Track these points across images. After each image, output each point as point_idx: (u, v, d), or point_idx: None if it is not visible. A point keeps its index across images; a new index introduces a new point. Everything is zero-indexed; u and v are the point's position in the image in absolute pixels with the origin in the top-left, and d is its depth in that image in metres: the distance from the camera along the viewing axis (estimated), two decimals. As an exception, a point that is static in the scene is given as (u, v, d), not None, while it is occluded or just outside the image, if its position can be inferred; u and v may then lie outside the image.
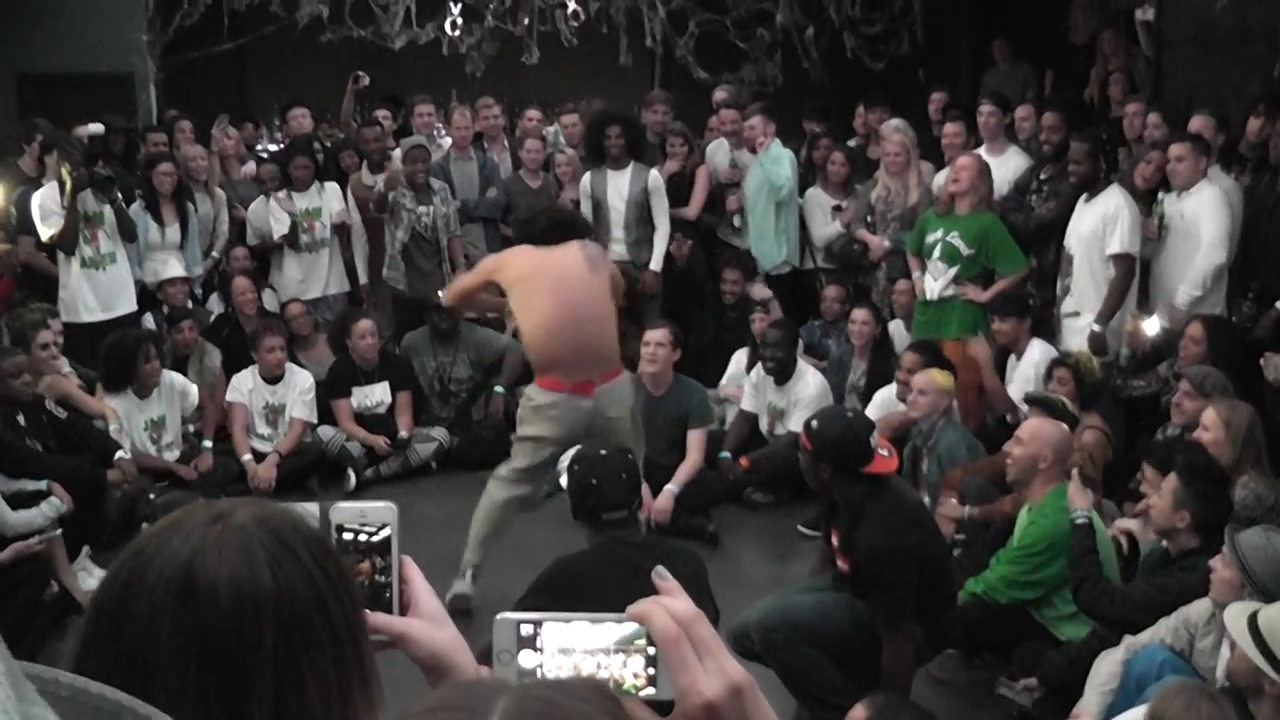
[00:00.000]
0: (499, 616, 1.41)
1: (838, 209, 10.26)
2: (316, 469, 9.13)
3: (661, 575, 1.39)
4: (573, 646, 1.38)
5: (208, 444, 8.77)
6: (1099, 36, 12.07)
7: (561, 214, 7.45)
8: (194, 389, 8.85)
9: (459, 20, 13.34)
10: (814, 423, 5.60)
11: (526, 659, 1.38)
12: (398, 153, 10.43)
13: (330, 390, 9.39)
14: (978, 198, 8.55)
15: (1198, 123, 8.70)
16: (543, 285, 6.67)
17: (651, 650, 1.35)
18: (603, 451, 5.17)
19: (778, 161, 10.08)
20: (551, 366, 6.78)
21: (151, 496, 5.60)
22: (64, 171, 8.85)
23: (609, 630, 1.38)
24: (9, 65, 12.59)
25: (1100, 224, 8.19)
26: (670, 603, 1.33)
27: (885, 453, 5.44)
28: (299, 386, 9.21)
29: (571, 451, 5.46)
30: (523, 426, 7.01)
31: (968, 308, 8.54)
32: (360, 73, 11.12)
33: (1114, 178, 8.45)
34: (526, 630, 1.39)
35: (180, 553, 1.29)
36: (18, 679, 0.85)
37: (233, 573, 1.29)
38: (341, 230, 10.37)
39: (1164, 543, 5.49)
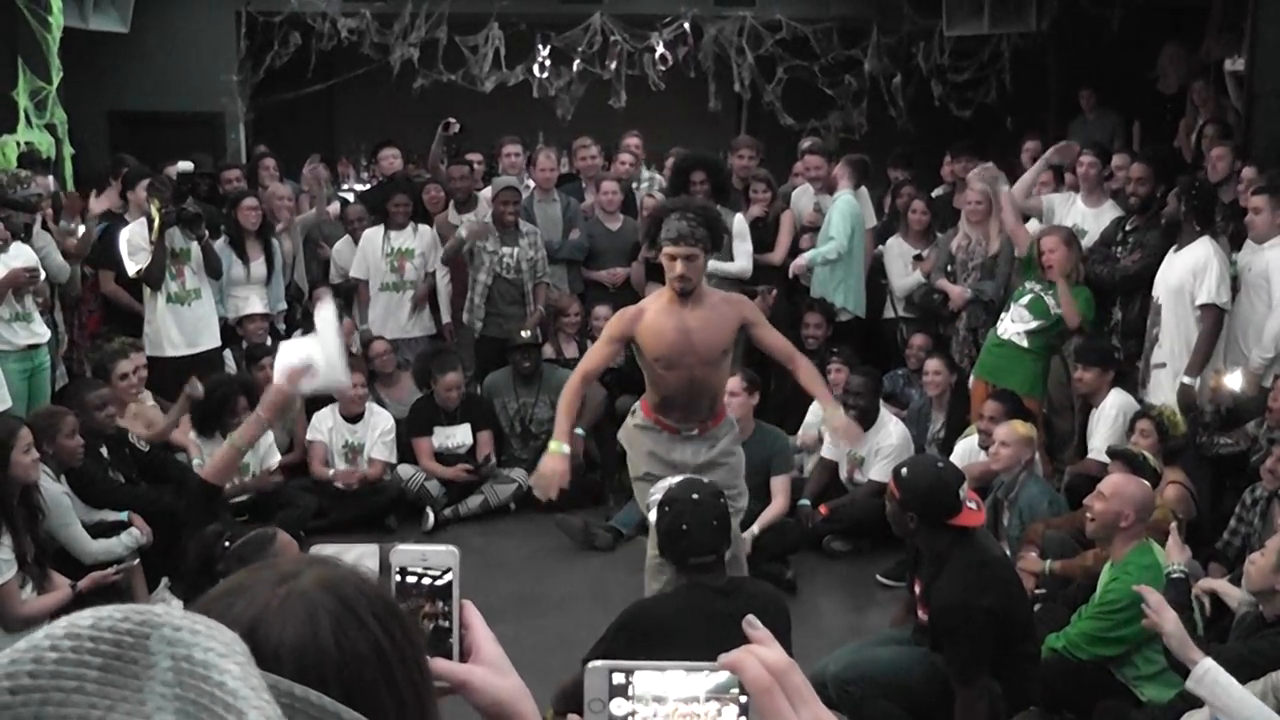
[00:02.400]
0: (591, 664, 1.40)
1: (918, 258, 10.21)
2: (395, 507, 9.13)
3: (752, 624, 1.37)
4: (665, 695, 1.37)
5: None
6: (1189, 87, 11.98)
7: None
8: (274, 446, 8.88)
9: (547, 63, 13.46)
10: (904, 470, 5.55)
11: (618, 707, 1.37)
12: (486, 193, 10.48)
13: (412, 428, 9.41)
14: (1071, 266, 8.58)
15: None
16: None
17: (744, 699, 1.33)
18: (695, 496, 5.10)
19: (838, 211, 10.07)
20: None
21: (226, 544, 5.60)
22: (153, 208, 8.94)
23: (702, 679, 1.36)
24: (100, 103, 12.78)
25: (1189, 275, 8.12)
26: (763, 652, 1.31)
27: (973, 505, 5.38)
28: (379, 427, 9.23)
29: (661, 488, 5.40)
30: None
31: (1027, 363, 8.55)
32: (452, 120, 11.19)
33: (1206, 230, 8.37)
34: (619, 678, 1.38)
35: (243, 619, 1.25)
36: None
37: (296, 640, 1.25)
38: (431, 276, 10.47)
39: (1254, 604, 5.38)
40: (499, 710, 1.65)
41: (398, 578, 1.66)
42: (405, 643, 1.34)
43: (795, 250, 10.35)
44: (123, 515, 7.29)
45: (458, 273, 10.35)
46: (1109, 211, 9.46)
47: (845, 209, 10.09)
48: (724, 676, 1.35)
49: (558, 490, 6.35)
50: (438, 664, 1.60)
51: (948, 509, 5.30)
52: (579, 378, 6.57)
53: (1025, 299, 8.63)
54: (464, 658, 1.68)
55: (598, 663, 1.39)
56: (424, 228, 10.43)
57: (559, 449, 6.35)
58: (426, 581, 1.67)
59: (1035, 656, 5.58)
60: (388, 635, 1.31)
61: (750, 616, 1.39)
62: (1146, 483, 6.16)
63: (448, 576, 1.67)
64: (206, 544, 6.69)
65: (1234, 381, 7.97)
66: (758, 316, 6.59)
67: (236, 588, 1.32)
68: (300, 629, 1.26)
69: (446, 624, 1.67)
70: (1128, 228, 9.06)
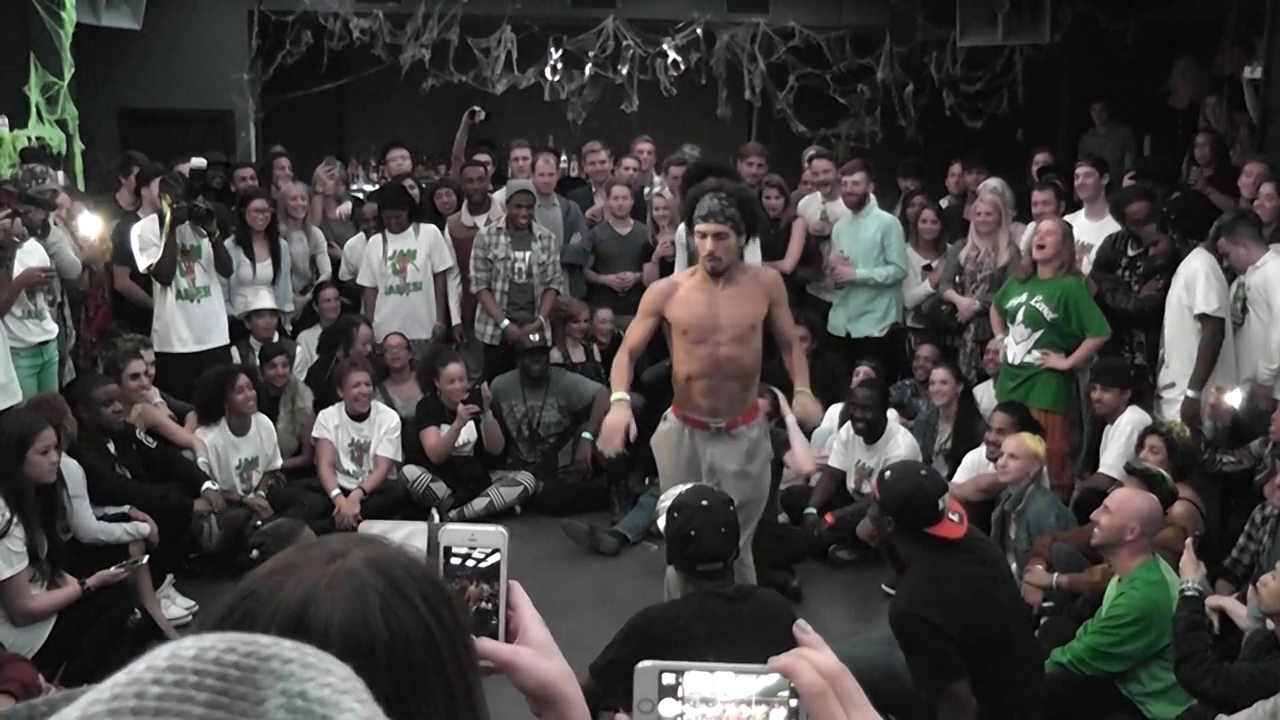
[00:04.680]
0: (641, 665, 1.40)
1: (928, 268, 10.19)
2: (401, 508, 9.11)
3: (803, 629, 1.38)
4: (714, 696, 1.37)
5: (212, 485, 8.10)
6: (1203, 102, 11.96)
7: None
8: (276, 448, 8.89)
9: (559, 66, 13.44)
10: (887, 474, 5.54)
11: (668, 708, 1.37)
12: (498, 195, 10.47)
13: (419, 424, 9.39)
14: (1060, 262, 8.49)
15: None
16: None
17: (794, 703, 1.34)
18: (704, 502, 5.10)
19: (896, 234, 10.12)
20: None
21: (259, 523, 5.71)
22: (164, 204, 8.93)
23: (751, 681, 1.37)
24: (111, 100, 12.78)
25: (1183, 289, 8.14)
26: (815, 656, 1.31)
27: (956, 518, 5.32)
28: (385, 425, 9.21)
29: (671, 494, 5.40)
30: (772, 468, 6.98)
31: (1052, 377, 8.46)
32: (477, 108, 11.17)
33: (1194, 242, 8.40)
34: (668, 679, 1.38)
35: (293, 597, 1.26)
36: None
37: (345, 620, 1.24)
38: (440, 278, 10.46)
39: (1269, 624, 5.35)
40: (544, 692, 1.65)
41: (445, 558, 1.66)
42: (453, 624, 1.33)
43: (806, 259, 10.32)
44: (124, 510, 7.30)
45: (469, 274, 10.32)
46: (1111, 223, 9.43)
47: (900, 231, 10.22)
48: (773, 679, 1.35)
49: (623, 442, 6.44)
50: (484, 644, 1.60)
51: (924, 517, 5.25)
52: (624, 353, 6.71)
53: (1019, 315, 8.54)
54: (510, 639, 1.67)
55: (647, 663, 1.39)
56: (425, 227, 10.42)
57: (620, 398, 6.48)
58: (473, 562, 1.67)
59: (1014, 684, 5.31)
60: (435, 616, 1.30)
61: (800, 621, 1.41)
62: (1154, 497, 6.13)
63: (495, 557, 1.67)
64: (234, 526, 6.75)
65: (1234, 399, 7.97)
66: (782, 296, 6.65)
67: (285, 566, 1.31)
68: (350, 608, 1.26)
69: (492, 605, 1.66)
70: (1131, 253, 9.03)
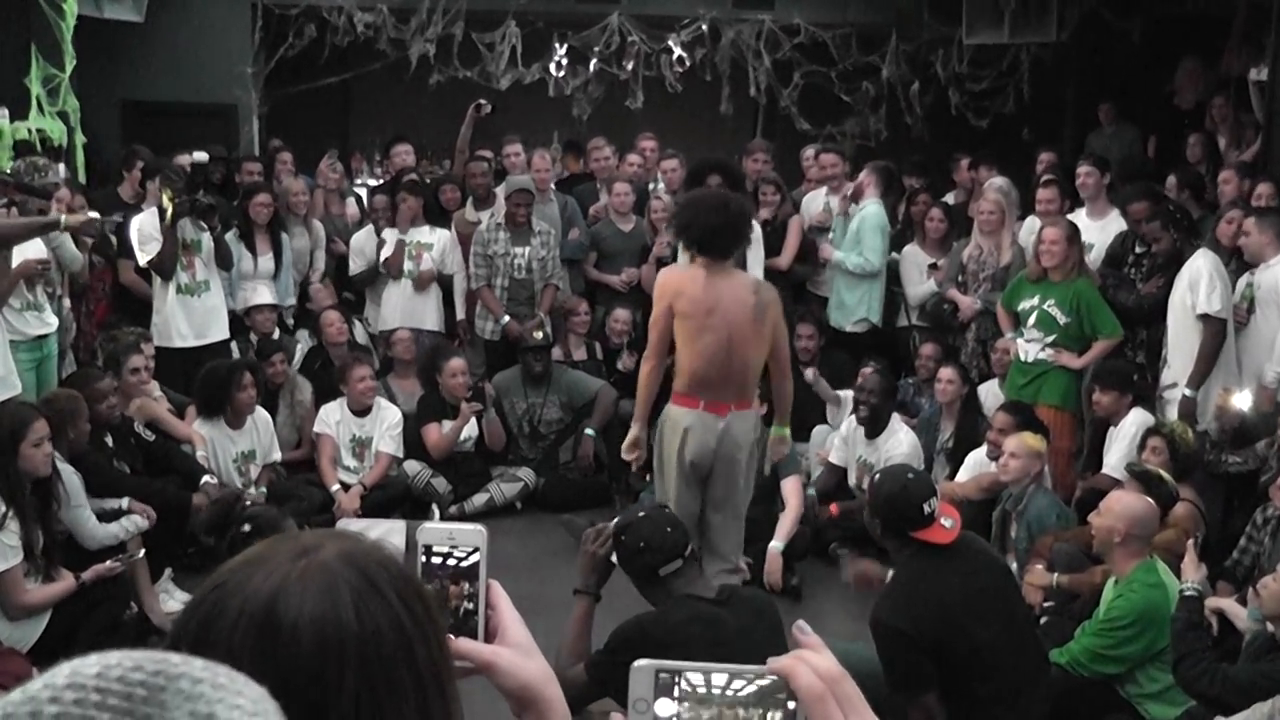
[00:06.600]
0: (637, 663, 1.37)
1: (933, 267, 10.14)
2: (401, 504, 9.09)
3: (803, 630, 1.35)
4: (711, 697, 1.34)
5: (211, 479, 8.05)
6: (1210, 103, 11.92)
7: (726, 223, 6.76)
8: (275, 441, 8.86)
9: (564, 61, 13.42)
10: (877, 476, 5.57)
11: (663, 707, 1.34)
12: (500, 189, 10.45)
13: (421, 419, 9.39)
14: (1071, 264, 8.48)
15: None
16: (713, 322, 6.62)
17: (792, 705, 1.30)
18: (641, 513, 5.12)
19: (870, 227, 10.05)
20: (692, 389, 6.75)
21: (248, 503, 5.67)
22: (165, 198, 8.90)
23: (748, 682, 1.34)
24: (114, 93, 12.75)
25: (1186, 289, 8.10)
26: (814, 658, 1.29)
27: (948, 523, 5.30)
28: (386, 421, 9.20)
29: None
30: (659, 450, 6.96)
31: (1062, 375, 8.44)
32: (483, 101, 11.13)
33: (1198, 242, 8.37)
34: (665, 678, 1.35)
35: (262, 590, 1.24)
36: None
37: (316, 613, 1.23)
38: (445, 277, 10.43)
39: (1269, 627, 5.31)
40: (524, 693, 1.63)
41: (423, 556, 1.64)
42: (426, 620, 1.32)
43: (803, 255, 10.29)
44: (123, 503, 7.27)
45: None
46: (1114, 221, 9.43)
47: (876, 223, 10.10)
48: (770, 681, 1.32)
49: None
50: (463, 644, 1.59)
51: (909, 521, 5.24)
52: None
53: (1031, 319, 8.53)
54: (489, 639, 1.65)
55: (643, 662, 1.36)
56: (441, 231, 10.42)
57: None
58: (453, 561, 1.65)
59: (998, 702, 5.24)
60: (409, 612, 1.29)
61: (800, 622, 1.39)
62: (1149, 500, 6.08)
63: (475, 556, 1.65)
64: (224, 505, 6.72)
65: (1241, 401, 7.93)
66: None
67: (256, 559, 1.30)
68: (320, 601, 1.24)
69: (472, 605, 1.65)
70: (1138, 250, 8.99)
